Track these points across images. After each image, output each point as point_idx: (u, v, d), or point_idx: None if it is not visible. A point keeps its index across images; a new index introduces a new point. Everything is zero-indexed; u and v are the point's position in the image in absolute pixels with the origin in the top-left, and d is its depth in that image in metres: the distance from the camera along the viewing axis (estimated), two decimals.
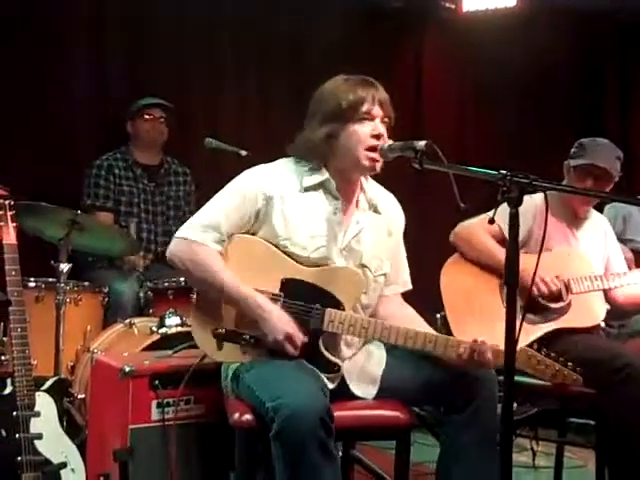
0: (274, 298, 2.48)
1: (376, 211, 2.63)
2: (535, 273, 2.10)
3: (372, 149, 2.48)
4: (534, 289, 3.03)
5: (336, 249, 2.53)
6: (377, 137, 2.48)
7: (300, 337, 2.43)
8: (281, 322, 2.42)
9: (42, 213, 3.30)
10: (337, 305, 2.46)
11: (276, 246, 2.51)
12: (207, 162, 4.61)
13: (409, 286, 2.75)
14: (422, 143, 2.29)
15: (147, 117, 4.35)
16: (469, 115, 5.78)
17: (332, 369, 2.47)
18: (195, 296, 2.62)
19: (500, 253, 3.12)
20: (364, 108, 2.48)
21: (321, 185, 2.55)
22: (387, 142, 2.49)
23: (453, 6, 5.47)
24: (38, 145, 4.25)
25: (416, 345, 2.44)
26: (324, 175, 2.55)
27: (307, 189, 2.54)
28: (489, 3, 5.44)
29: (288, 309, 2.47)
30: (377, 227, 2.63)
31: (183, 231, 2.52)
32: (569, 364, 2.49)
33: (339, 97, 2.50)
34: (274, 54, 5.07)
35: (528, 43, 5.28)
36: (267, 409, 2.26)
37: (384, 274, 2.63)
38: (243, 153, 3.72)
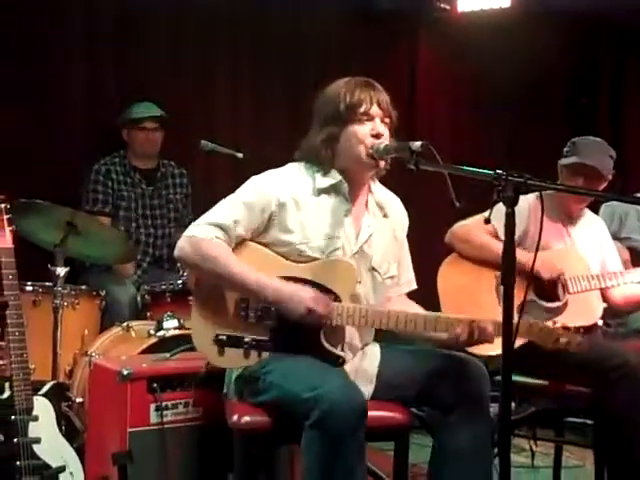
0: None
1: (385, 215, 2.65)
2: (532, 268, 2.11)
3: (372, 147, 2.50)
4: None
5: (350, 252, 2.54)
6: (376, 136, 2.49)
7: (321, 295, 2.42)
8: (298, 293, 2.42)
9: (39, 212, 3.29)
10: (334, 298, 2.47)
11: (290, 251, 2.51)
12: (203, 164, 4.62)
13: (414, 285, 2.76)
14: (418, 144, 2.30)
15: (141, 129, 4.34)
16: (464, 115, 5.78)
17: (336, 362, 2.47)
18: (193, 301, 2.60)
19: (501, 248, 3.14)
20: (362, 109, 2.49)
21: (333, 188, 2.56)
22: (384, 142, 2.49)
23: (448, 7, 5.47)
24: (34, 149, 4.23)
25: (417, 328, 2.44)
26: (336, 178, 2.56)
27: (320, 191, 2.55)
28: (483, 4, 5.44)
29: None
30: (385, 231, 2.64)
31: (190, 230, 2.53)
32: (571, 326, 2.46)
33: (338, 100, 2.52)
34: (269, 55, 5.06)
35: (522, 43, 5.28)
36: (305, 399, 2.24)
37: (391, 277, 2.65)
38: (239, 155, 3.73)
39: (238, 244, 2.53)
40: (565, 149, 3.36)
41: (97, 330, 3.75)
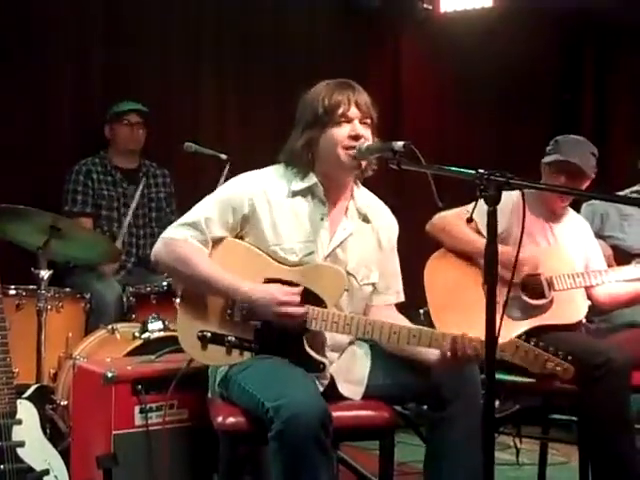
0: None
1: (365, 220, 2.64)
2: (515, 267, 2.11)
3: (351, 149, 2.50)
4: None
5: (322, 255, 2.54)
6: (355, 138, 2.49)
7: (288, 297, 2.42)
8: (266, 299, 2.43)
9: (21, 217, 3.27)
10: (319, 303, 2.47)
11: (265, 251, 2.52)
12: (187, 166, 4.61)
13: (402, 298, 2.73)
14: (400, 144, 2.30)
15: (124, 123, 4.34)
16: (448, 115, 5.80)
17: (317, 368, 2.48)
18: (179, 299, 2.61)
19: (477, 240, 3.18)
20: (340, 111, 2.50)
21: (309, 190, 2.56)
22: (366, 142, 2.49)
23: (430, 7, 5.49)
24: (17, 150, 4.21)
25: (400, 339, 2.43)
26: (312, 180, 2.56)
27: (295, 194, 2.56)
28: (466, 3, 5.47)
29: None
30: (365, 236, 2.63)
31: (165, 232, 2.57)
32: (559, 353, 2.41)
33: (317, 103, 2.52)
34: (254, 55, 5.06)
35: (505, 43, 5.31)
36: (267, 409, 2.25)
37: (371, 284, 2.63)
38: (223, 157, 3.73)
39: (228, 244, 2.54)
40: (548, 147, 3.38)
41: (82, 333, 3.73)
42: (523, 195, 2.08)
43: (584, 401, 2.99)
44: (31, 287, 3.48)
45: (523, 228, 2.08)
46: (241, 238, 2.56)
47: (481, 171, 2.05)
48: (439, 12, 5.52)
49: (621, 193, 3.57)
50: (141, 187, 4.37)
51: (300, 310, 2.43)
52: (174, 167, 4.57)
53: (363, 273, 2.60)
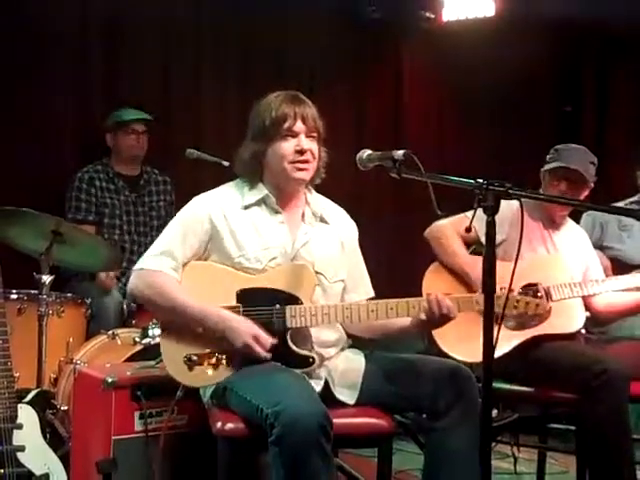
0: (233, 310, 2.52)
1: (323, 221, 2.69)
2: (511, 282, 2.13)
3: (297, 162, 2.56)
4: None
5: (287, 259, 2.59)
6: (300, 152, 2.55)
7: (266, 336, 2.47)
8: (245, 326, 2.47)
9: (24, 221, 3.29)
10: (295, 301, 2.52)
11: (231, 265, 2.56)
12: (189, 173, 4.63)
13: (371, 293, 2.79)
14: (400, 153, 2.33)
15: (130, 132, 4.35)
16: (449, 124, 5.81)
17: (307, 363, 2.52)
18: (160, 330, 2.61)
19: (462, 259, 3.23)
20: (286, 125, 2.55)
21: (262, 201, 2.62)
22: (316, 155, 2.58)
23: (433, 16, 5.50)
24: (18, 156, 4.23)
25: (379, 315, 2.52)
26: (262, 192, 2.62)
27: (248, 206, 2.61)
28: (468, 13, 5.48)
29: (249, 317, 2.51)
30: (327, 236, 2.68)
31: (139, 264, 2.58)
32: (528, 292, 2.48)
33: (264, 115, 2.59)
34: (255, 65, 5.08)
35: (507, 52, 5.32)
36: (266, 415, 2.27)
37: (341, 280, 2.69)
38: (225, 164, 3.74)
39: (193, 267, 2.57)
40: (548, 156, 3.40)
41: (82, 338, 3.74)
42: (521, 205, 2.10)
43: (583, 410, 2.99)
44: (32, 292, 3.48)
45: (521, 239, 2.10)
46: (205, 259, 2.59)
47: (480, 181, 2.07)
48: (441, 21, 5.53)
49: (619, 204, 3.58)
50: (142, 195, 4.39)
51: (265, 354, 2.45)
52: (175, 174, 4.58)
53: (331, 271, 2.65)
